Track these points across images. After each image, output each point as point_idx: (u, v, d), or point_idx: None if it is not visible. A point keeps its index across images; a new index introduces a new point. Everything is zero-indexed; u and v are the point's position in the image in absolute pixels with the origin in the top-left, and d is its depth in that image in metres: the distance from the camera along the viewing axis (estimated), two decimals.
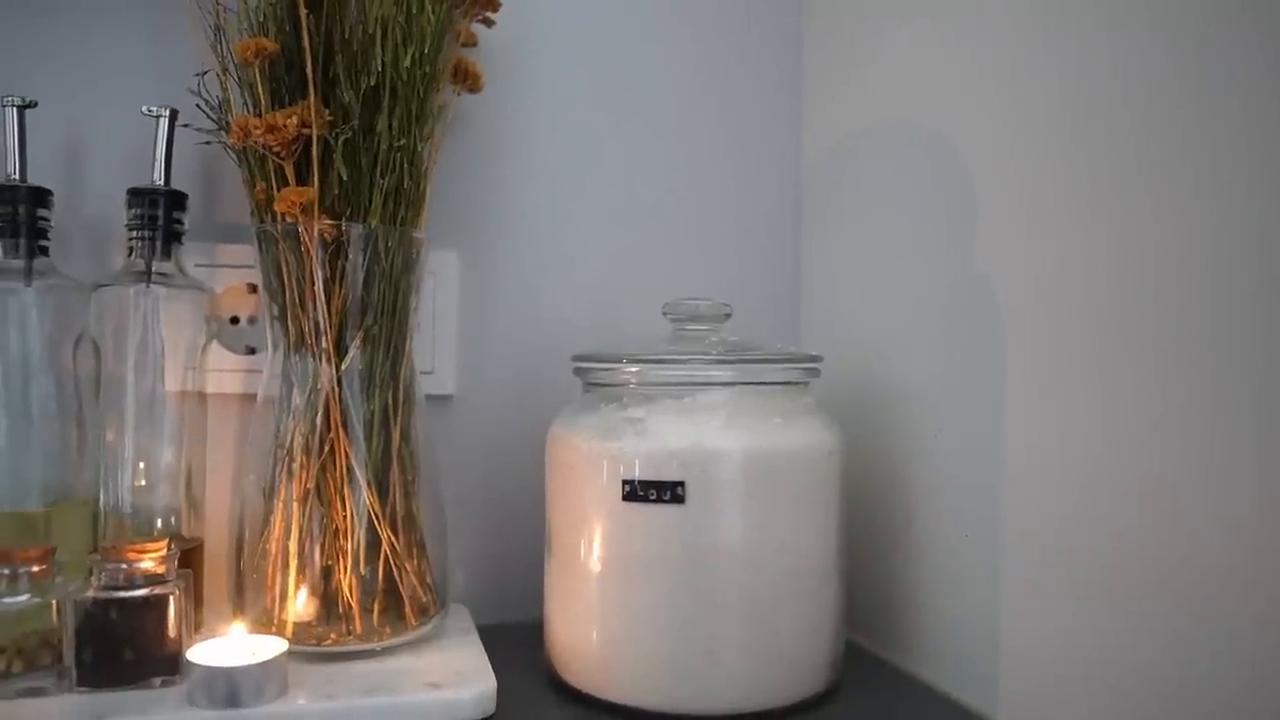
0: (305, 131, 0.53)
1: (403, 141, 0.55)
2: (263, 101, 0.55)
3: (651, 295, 0.62)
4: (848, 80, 0.70)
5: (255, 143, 0.54)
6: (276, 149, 0.54)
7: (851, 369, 0.66)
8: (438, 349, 0.68)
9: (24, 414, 0.55)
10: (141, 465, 0.57)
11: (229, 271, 0.64)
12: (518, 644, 0.59)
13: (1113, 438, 0.45)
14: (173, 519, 0.58)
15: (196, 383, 0.60)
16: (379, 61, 0.53)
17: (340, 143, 0.54)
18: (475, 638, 0.59)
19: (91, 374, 0.57)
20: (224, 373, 0.63)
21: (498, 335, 0.70)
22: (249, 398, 0.62)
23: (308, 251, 0.54)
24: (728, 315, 0.58)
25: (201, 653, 0.49)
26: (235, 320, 0.65)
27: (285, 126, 0.53)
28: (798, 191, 0.76)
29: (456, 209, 0.69)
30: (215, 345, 0.62)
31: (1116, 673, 0.45)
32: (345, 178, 0.54)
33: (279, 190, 0.54)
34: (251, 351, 0.65)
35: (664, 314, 0.59)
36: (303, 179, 0.55)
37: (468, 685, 0.51)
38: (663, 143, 0.74)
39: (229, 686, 0.48)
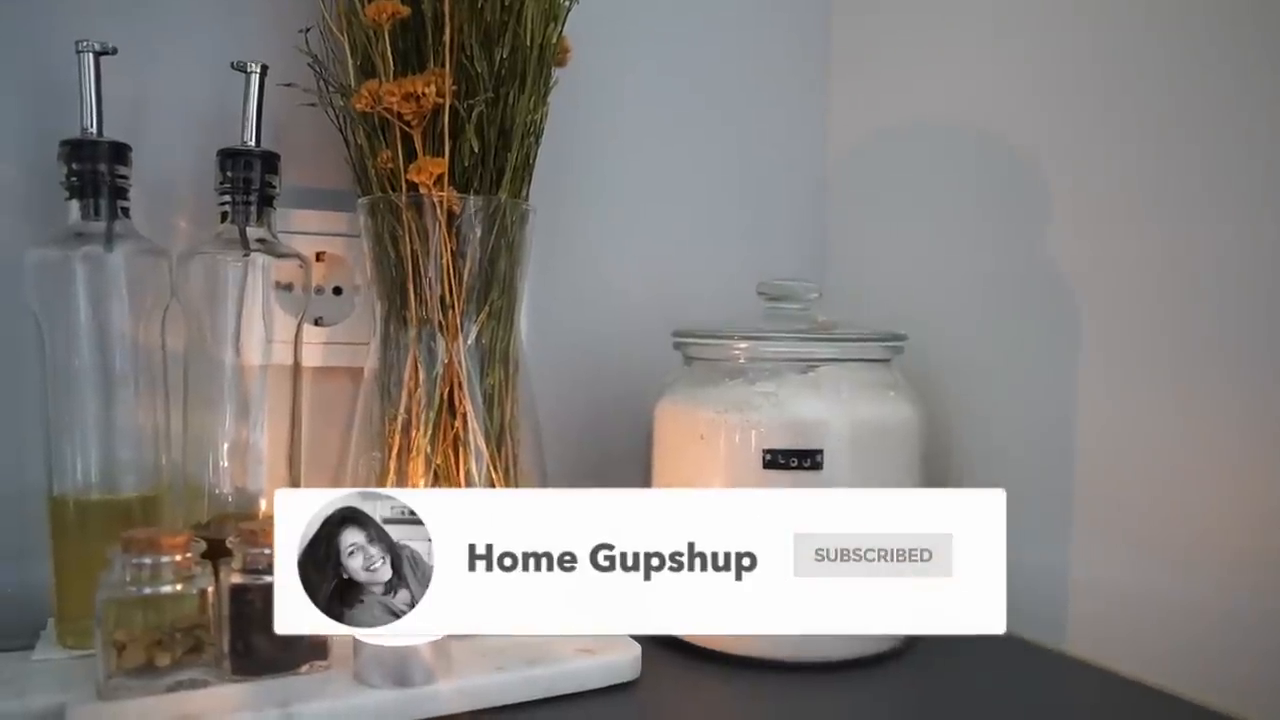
0: (439, 101, 0.52)
1: (535, 115, 0.55)
2: (384, 67, 0.53)
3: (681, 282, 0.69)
4: (878, 70, 0.76)
5: (384, 110, 0.52)
6: (409, 118, 0.52)
7: None
8: None
9: (109, 393, 0.51)
10: (239, 443, 0.54)
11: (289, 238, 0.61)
12: None
13: (1114, 433, 0.53)
14: None
15: (291, 356, 0.57)
16: (527, 35, 0.52)
17: (473, 114, 0.53)
18: None
19: (181, 347, 0.54)
20: (310, 345, 0.60)
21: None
22: (337, 371, 0.59)
23: (439, 224, 0.53)
24: (818, 295, 0.62)
25: None
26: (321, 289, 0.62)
27: (424, 95, 0.51)
28: (824, 181, 0.81)
29: None
30: (305, 318, 0.59)
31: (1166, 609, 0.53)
32: (476, 150, 0.54)
33: (406, 160, 0.52)
34: (317, 323, 0.62)
35: (759, 293, 0.62)
36: (424, 149, 0.53)
37: (615, 650, 0.53)
38: (694, 129, 0.76)
39: (399, 665, 0.47)
